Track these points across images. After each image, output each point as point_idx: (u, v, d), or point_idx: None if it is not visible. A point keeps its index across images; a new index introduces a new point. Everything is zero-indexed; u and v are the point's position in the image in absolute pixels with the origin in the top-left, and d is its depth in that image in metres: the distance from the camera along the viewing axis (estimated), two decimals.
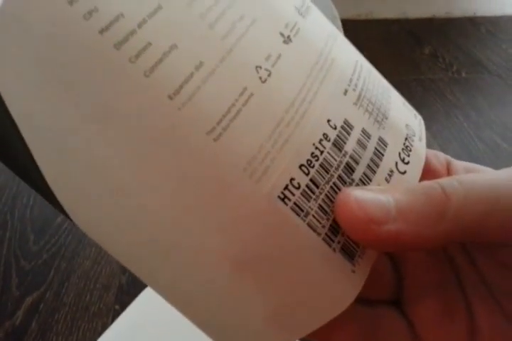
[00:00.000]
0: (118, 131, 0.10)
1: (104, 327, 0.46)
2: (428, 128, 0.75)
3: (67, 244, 0.55)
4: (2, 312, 0.47)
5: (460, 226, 0.12)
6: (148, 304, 0.45)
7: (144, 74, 0.10)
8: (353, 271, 0.12)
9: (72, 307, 0.49)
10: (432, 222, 0.12)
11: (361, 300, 0.14)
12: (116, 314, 0.47)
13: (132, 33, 0.10)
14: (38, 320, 0.47)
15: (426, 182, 0.12)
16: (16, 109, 0.10)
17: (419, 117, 0.17)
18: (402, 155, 0.15)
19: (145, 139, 0.11)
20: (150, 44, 0.11)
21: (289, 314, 0.12)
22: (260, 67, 0.12)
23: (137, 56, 0.10)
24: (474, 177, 0.13)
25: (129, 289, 0.50)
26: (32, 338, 0.45)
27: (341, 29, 0.62)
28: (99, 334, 0.45)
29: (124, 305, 0.48)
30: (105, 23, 0.10)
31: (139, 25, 0.11)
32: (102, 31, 0.10)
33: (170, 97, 0.11)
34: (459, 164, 0.17)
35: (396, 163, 0.14)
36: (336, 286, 0.12)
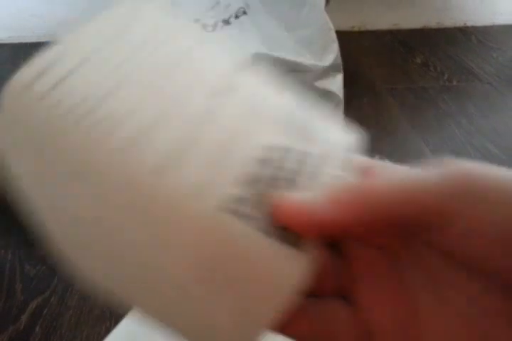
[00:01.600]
0: (91, 186, 0.15)
1: (108, 330, 0.47)
2: (420, 135, 0.77)
3: None
4: (6, 317, 0.48)
5: (380, 214, 0.14)
6: None
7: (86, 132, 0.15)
8: (299, 256, 0.15)
9: (76, 311, 0.49)
10: (354, 210, 0.14)
11: (311, 295, 0.16)
12: (119, 317, 0.48)
13: (90, 112, 0.15)
14: (41, 325, 0.47)
15: (350, 181, 0.15)
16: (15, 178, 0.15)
17: (350, 130, 0.19)
18: (334, 166, 0.17)
19: (94, 179, 0.15)
20: (109, 116, 0.15)
21: (250, 307, 0.14)
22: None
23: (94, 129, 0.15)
24: (392, 173, 0.15)
25: None
26: None
27: (336, 40, 0.64)
28: (102, 338, 0.46)
29: (126, 309, 0.49)
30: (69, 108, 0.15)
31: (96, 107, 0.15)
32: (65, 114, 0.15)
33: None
34: (387, 164, 0.18)
35: (329, 174, 0.16)
36: (287, 271, 0.14)
